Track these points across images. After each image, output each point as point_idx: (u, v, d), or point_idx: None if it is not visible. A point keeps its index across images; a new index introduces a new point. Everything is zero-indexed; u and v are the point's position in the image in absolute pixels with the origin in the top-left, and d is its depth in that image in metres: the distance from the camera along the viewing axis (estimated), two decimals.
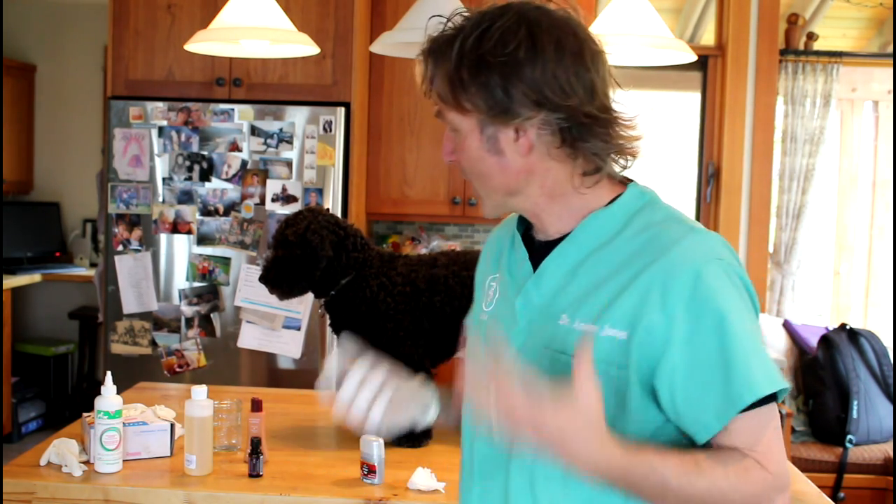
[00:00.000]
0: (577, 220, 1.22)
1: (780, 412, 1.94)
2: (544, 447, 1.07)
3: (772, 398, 1.14)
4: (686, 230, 1.18)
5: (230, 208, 3.40)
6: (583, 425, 1.06)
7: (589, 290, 1.18)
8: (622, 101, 1.24)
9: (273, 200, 3.38)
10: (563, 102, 1.14)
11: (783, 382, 1.14)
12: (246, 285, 3.39)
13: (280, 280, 2.18)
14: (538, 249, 1.26)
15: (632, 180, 1.27)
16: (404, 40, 2.25)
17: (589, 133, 1.17)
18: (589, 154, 1.19)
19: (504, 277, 1.31)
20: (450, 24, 1.19)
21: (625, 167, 1.26)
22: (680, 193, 4.66)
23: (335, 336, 2.28)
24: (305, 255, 2.15)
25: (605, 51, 1.21)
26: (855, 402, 3.83)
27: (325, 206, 3.36)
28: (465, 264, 2.23)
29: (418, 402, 1.31)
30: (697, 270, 1.12)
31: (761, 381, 1.11)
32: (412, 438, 2.09)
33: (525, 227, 1.31)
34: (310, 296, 2.25)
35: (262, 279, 2.21)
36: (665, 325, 1.12)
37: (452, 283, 2.20)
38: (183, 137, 3.40)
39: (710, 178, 4.34)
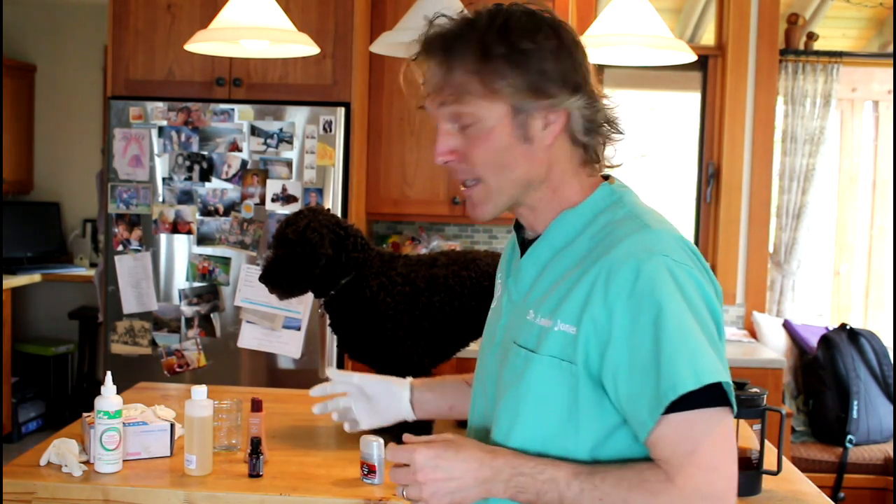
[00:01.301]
0: (550, 220, 1.26)
1: (780, 412, 1.95)
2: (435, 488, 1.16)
3: (714, 403, 1.09)
4: (637, 227, 1.18)
5: (230, 208, 3.40)
6: (457, 448, 1.17)
7: (551, 286, 1.21)
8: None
9: (273, 200, 3.38)
10: (586, 88, 1.20)
11: (715, 376, 1.09)
12: (246, 285, 3.39)
13: (280, 279, 2.18)
14: (525, 248, 1.32)
15: (607, 178, 1.29)
16: (404, 40, 2.24)
17: (595, 121, 1.22)
18: (593, 142, 1.23)
19: (504, 275, 1.36)
20: (440, 24, 1.21)
21: (610, 165, 1.29)
22: (680, 193, 4.66)
23: (335, 336, 2.28)
24: (305, 253, 2.15)
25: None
26: (855, 402, 3.84)
27: (326, 207, 3.36)
28: (464, 264, 2.23)
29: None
30: (637, 266, 1.12)
31: (685, 378, 1.08)
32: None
33: (519, 227, 1.34)
34: (310, 296, 2.25)
35: (262, 279, 2.20)
36: (606, 320, 1.13)
37: (452, 282, 2.20)
38: (183, 137, 3.40)
39: (710, 178, 4.34)
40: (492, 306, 1.40)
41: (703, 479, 1.09)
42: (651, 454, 1.12)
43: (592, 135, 1.22)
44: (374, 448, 1.84)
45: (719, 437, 1.10)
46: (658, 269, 1.12)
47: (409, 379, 1.64)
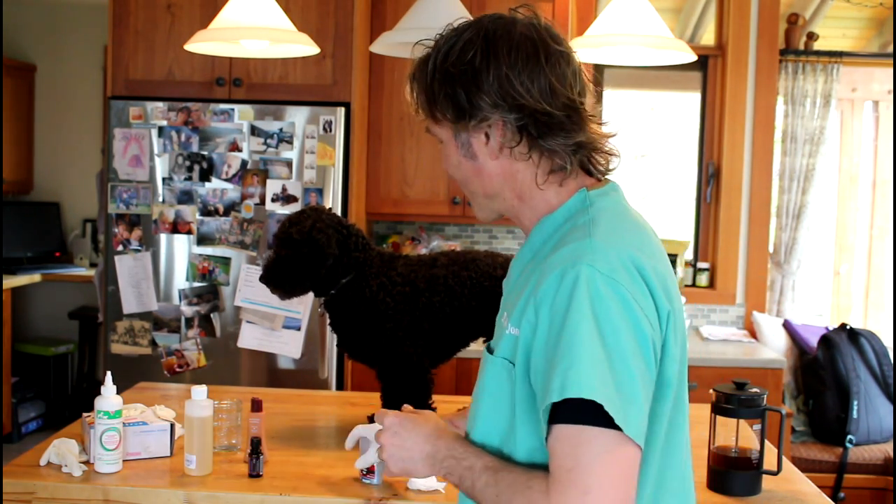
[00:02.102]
0: (536, 224, 1.30)
1: (780, 412, 1.95)
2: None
3: (604, 424, 1.07)
4: (582, 236, 1.19)
5: (230, 208, 3.40)
6: (417, 422, 1.29)
7: (519, 290, 1.25)
8: (593, 100, 1.31)
9: (273, 200, 3.38)
10: (517, 102, 1.21)
11: (579, 391, 1.06)
12: (246, 285, 3.39)
13: (282, 280, 2.17)
14: None
15: (605, 182, 1.31)
16: (404, 40, 2.25)
17: (547, 131, 1.23)
18: (549, 152, 1.24)
19: None
20: (422, 49, 1.30)
21: (606, 168, 1.30)
22: (680, 193, 4.66)
23: (335, 336, 2.28)
24: (311, 253, 2.14)
25: (570, 51, 1.27)
26: (855, 402, 3.84)
27: (326, 206, 3.35)
28: (464, 264, 2.23)
29: None
30: (562, 274, 1.14)
31: (553, 390, 1.08)
32: None
33: None
34: (310, 296, 2.25)
35: (264, 279, 2.19)
36: (534, 324, 1.16)
37: (452, 283, 2.20)
38: (183, 137, 3.40)
39: (710, 178, 4.34)
40: None
41: (573, 499, 1.07)
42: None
43: (548, 143, 1.23)
44: (373, 448, 1.84)
45: (603, 461, 1.07)
46: (577, 279, 1.12)
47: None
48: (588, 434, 1.07)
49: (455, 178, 1.34)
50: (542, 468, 1.15)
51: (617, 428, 1.07)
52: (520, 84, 1.21)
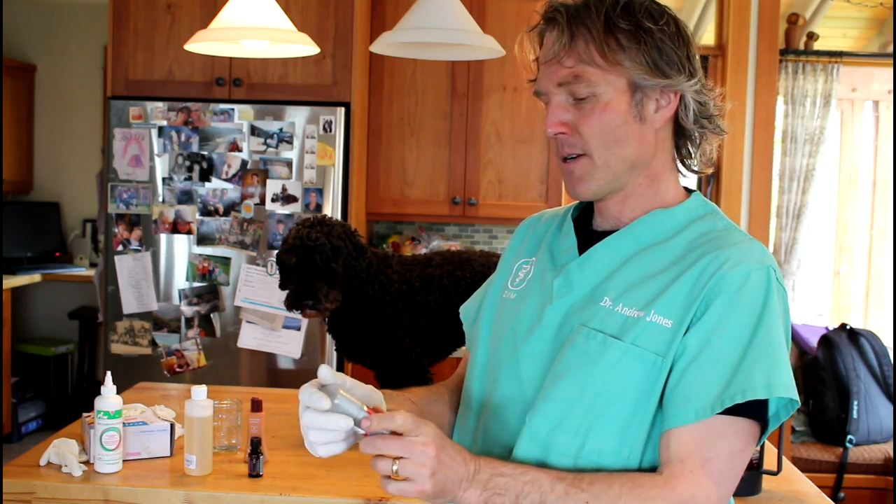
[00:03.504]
0: (639, 215, 1.26)
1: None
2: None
3: (757, 417, 1.13)
4: (745, 238, 1.23)
5: (230, 208, 3.40)
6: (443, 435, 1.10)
7: (638, 280, 1.21)
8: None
9: (273, 200, 3.38)
10: (697, 75, 1.22)
11: (787, 391, 1.12)
12: (246, 285, 3.39)
13: (331, 287, 2.13)
14: (589, 237, 1.29)
15: (695, 191, 1.32)
16: (404, 40, 2.25)
17: (706, 112, 1.25)
18: (687, 137, 1.26)
19: (543, 260, 1.33)
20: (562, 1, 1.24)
21: (699, 171, 1.32)
22: None
23: (334, 340, 2.28)
24: (356, 251, 2.14)
25: None
26: (855, 402, 3.84)
27: (325, 207, 3.36)
28: (459, 264, 2.23)
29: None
30: (748, 272, 1.16)
31: (757, 386, 1.11)
32: None
33: (574, 216, 1.34)
34: None
35: (294, 301, 2.12)
36: (702, 313, 1.15)
37: (447, 282, 2.20)
38: (183, 137, 3.40)
39: (710, 178, 4.34)
40: (510, 287, 1.35)
41: (704, 490, 1.11)
42: (663, 448, 1.14)
43: (698, 126, 1.25)
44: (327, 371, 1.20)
45: (740, 453, 1.14)
46: (767, 280, 1.16)
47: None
48: (740, 426, 1.13)
49: (589, 138, 1.21)
50: (629, 470, 1.16)
51: (758, 420, 1.13)
52: (697, 61, 1.24)
